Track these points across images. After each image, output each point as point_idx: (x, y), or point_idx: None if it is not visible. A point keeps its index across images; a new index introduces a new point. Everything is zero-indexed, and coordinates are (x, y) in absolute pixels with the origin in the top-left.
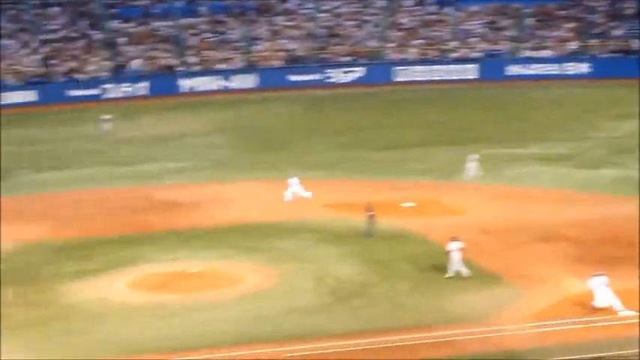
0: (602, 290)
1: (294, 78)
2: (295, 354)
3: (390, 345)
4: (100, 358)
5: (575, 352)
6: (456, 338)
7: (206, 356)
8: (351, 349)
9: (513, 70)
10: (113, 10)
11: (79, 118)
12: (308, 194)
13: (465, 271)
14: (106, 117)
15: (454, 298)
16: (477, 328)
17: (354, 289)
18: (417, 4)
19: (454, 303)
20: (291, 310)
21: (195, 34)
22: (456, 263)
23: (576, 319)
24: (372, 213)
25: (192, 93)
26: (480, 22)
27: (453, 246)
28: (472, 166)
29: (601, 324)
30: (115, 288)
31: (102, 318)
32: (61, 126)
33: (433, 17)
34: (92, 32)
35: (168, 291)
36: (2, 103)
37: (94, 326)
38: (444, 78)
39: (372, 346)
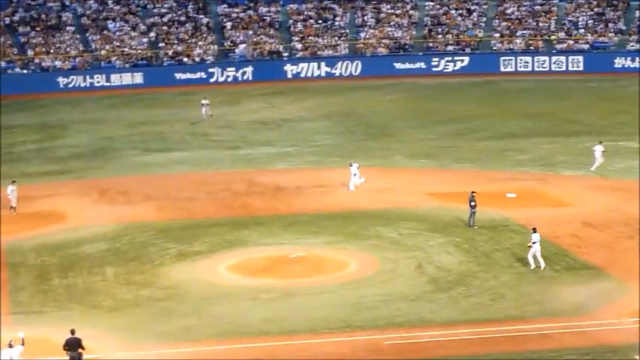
0: None
1: (399, 66)
2: (395, 342)
3: (489, 336)
4: (199, 340)
5: None
6: (556, 331)
7: (305, 341)
8: (451, 338)
9: (620, 62)
10: None
11: (185, 101)
12: (361, 180)
13: (541, 263)
14: (205, 102)
15: (555, 291)
16: (577, 322)
17: (454, 279)
18: None
19: (555, 295)
20: (392, 297)
21: (301, 21)
22: (534, 255)
23: None
24: (474, 203)
25: (297, 79)
26: (587, 13)
27: (535, 237)
28: (598, 156)
29: None
30: (216, 271)
31: (203, 301)
32: (166, 108)
33: (540, 8)
34: (199, 16)
35: (270, 275)
36: (110, 84)
37: (195, 308)
38: (549, 69)
39: (471, 337)
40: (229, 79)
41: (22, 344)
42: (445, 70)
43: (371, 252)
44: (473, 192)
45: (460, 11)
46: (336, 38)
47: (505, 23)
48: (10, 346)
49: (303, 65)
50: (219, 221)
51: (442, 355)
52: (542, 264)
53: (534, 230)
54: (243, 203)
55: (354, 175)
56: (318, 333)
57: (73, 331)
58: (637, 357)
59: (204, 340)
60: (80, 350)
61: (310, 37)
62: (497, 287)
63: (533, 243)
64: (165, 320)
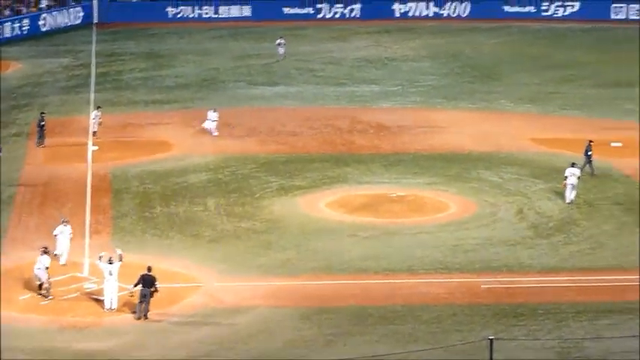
0: None
1: (508, 9)
2: (492, 285)
3: (588, 285)
4: (296, 274)
5: None
6: None
7: (402, 280)
8: (548, 285)
9: None
10: None
11: (292, 35)
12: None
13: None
14: (281, 41)
15: None
16: None
17: (555, 225)
18: None
19: None
20: (491, 241)
21: None
22: (572, 190)
23: None
24: (590, 152)
25: (405, 18)
26: None
27: (568, 172)
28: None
29: None
30: (316, 206)
31: (302, 235)
32: (273, 42)
33: None
34: None
35: (370, 214)
36: (218, 16)
37: (294, 242)
38: None
39: (570, 284)
40: (337, 16)
41: (120, 260)
42: (555, 15)
43: (472, 195)
44: (590, 141)
45: None
46: None
47: None
48: (110, 262)
49: (412, 4)
50: (321, 157)
51: (539, 302)
52: (568, 199)
53: (573, 165)
54: (346, 140)
55: (213, 121)
56: (415, 273)
57: (149, 268)
58: None
59: (301, 274)
60: (152, 289)
61: None
62: (598, 236)
63: (566, 177)
64: (263, 253)
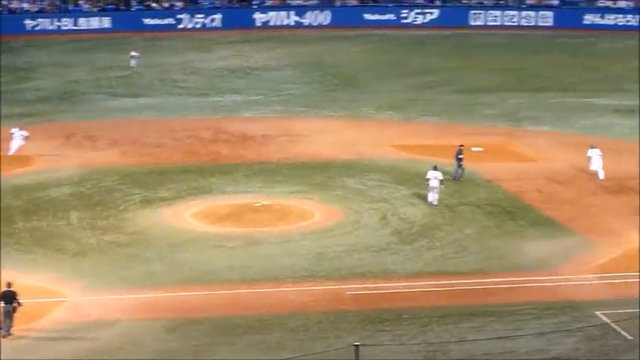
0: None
1: (368, 17)
2: (357, 292)
3: (451, 289)
4: (162, 286)
5: (636, 305)
6: (517, 285)
7: (268, 290)
8: (413, 290)
9: (589, 18)
10: None
11: (153, 46)
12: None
13: (434, 200)
14: (135, 53)
15: (518, 245)
16: (539, 277)
17: (418, 231)
18: None
19: (518, 250)
20: (355, 248)
21: None
22: (434, 193)
23: None
24: (461, 156)
25: (266, 27)
26: None
27: (430, 175)
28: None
29: None
30: (181, 218)
31: (167, 247)
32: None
33: None
34: None
35: (235, 223)
36: (78, 28)
37: (159, 254)
38: (519, 24)
39: (434, 289)
40: (198, 26)
41: None
42: (414, 22)
43: (336, 202)
44: (461, 145)
45: None
46: None
47: None
48: None
49: (273, 14)
50: (185, 168)
51: (404, 307)
52: (430, 200)
53: (434, 168)
54: (210, 150)
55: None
56: (281, 282)
57: (9, 284)
58: (597, 313)
59: (167, 286)
60: (15, 304)
61: None
62: (461, 240)
63: (428, 180)
64: (128, 265)
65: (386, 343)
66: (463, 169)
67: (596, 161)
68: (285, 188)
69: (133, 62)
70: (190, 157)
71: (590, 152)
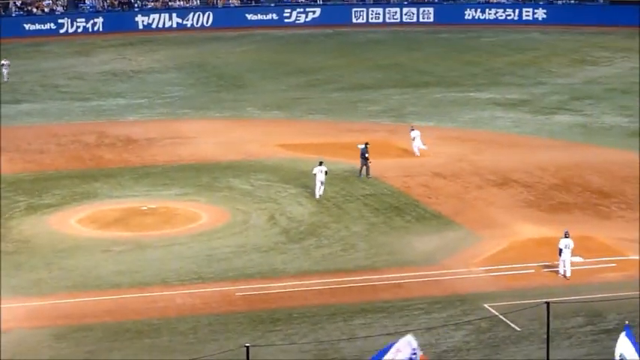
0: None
1: (251, 17)
2: (247, 293)
3: (340, 286)
4: (49, 293)
5: (523, 297)
6: (406, 281)
7: (157, 293)
8: (302, 289)
9: (470, 14)
10: None
11: (35, 52)
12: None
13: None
14: (5, 62)
15: (406, 241)
16: (427, 271)
17: (306, 230)
18: None
19: (406, 245)
20: (244, 249)
21: None
22: (321, 187)
23: (526, 265)
24: (367, 155)
25: (148, 30)
26: None
27: (316, 170)
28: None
29: (549, 270)
30: (67, 224)
31: (53, 254)
32: (16, 59)
33: None
34: None
35: (121, 228)
36: None
37: (45, 261)
38: (400, 20)
39: (323, 287)
40: (79, 30)
41: None
42: (297, 22)
43: (223, 203)
44: (366, 143)
45: None
46: None
47: None
48: None
49: (155, 16)
50: (69, 173)
51: (294, 306)
52: (317, 195)
53: (320, 164)
54: (94, 155)
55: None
56: (170, 285)
57: None
58: (486, 305)
59: (54, 292)
60: None
61: None
62: (349, 238)
63: (314, 175)
64: (14, 274)
65: (277, 343)
66: (368, 167)
67: (417, 142)
68: (172, 191)
69: (4, 71)
70: (75, 163)
71: (412, 134)
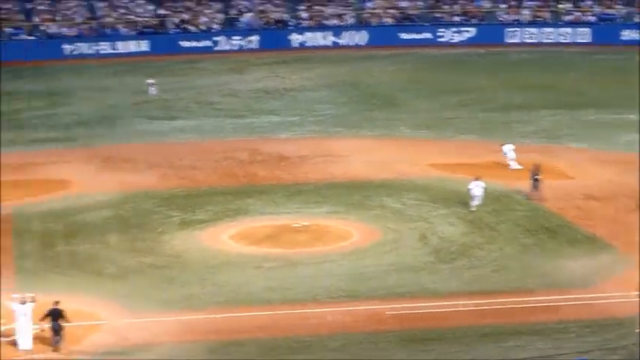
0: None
1: (404, 36)
2: (397, 312)
3: (492, 307)
4: (201, 308)
5: None
6: (560, 303)
7: (308, 310)
8: (453, 309)
9: (627, 34)
10: None
11: (190, 69)
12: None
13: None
14: (151, 81)
15: (558, 263)
16: (581, 294)
17: (458, 250)
18: None
19: (558, 268)
20: (395, 268)
21: None
22: (476, 199)
23: None
24: (537, 176)
25: (302, 48)
26: None
27: (473, 184)
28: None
29: None
30: (219, 239)
31: (205, 269)
32: (171, 76)
33: None
34: None
35: (273, 245)
36: (115, 52)
37: (198, 276)
38: (556, 41)
39: (475, 308)
40: (234, 48)
41: (33, 301)
42: (451, 41)
43: (374, 222)
44: (537, 164)
45: None
46: (342, 7)
47: None
48: (23, 302)
49: (309, 34)
50: (222, 190)
51: (445, 326)
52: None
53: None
54: (247, 172)
55: (509, 153)
56: (321, 302)
57: (56, 302)
58: (637, 330)
59: (206, 308)
60: (61, 322)
61: (316, 7)
62: (501, 259)
63: (470, 189)
64: (167, 288)
65: None
66: (538, 190)
67: (510, 155)
68: (323, 209)
69: (152, 90)
70: (228, 179)
71: (505, 148)
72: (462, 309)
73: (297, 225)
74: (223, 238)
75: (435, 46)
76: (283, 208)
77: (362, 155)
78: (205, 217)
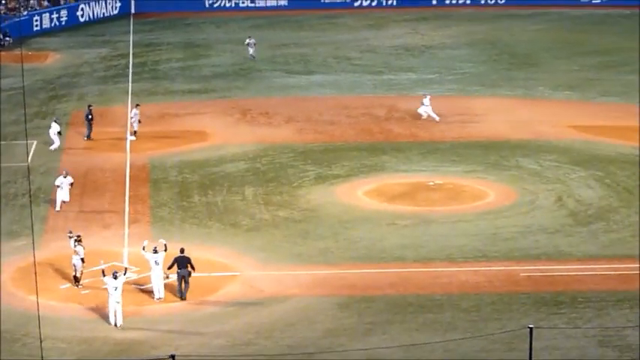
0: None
1: None
2: (532, 274)
3: (629, 273)
4: (335, 263)
5: None
6: None
7: (441, 269)
8: (588, 273)
9: None
10: None
11: (329, 24)
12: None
13: None
14: (250, 41)
15: None
16: None
17: (595, 213)
18: None
19: None
20: (530, 229)
21: None
22: None
23: None
24: None
25: (442, 5)
26: None
27: None
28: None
29: None
30: (354, 195)
31: (340, 224)
32: (310, 31)
33: None
34: None
35: (408, 202)
36: (255, 6)
37: (332, 231)
38: None
39: (611, 272)
40: (374, 4)
41: (165, 249)
42: (593, 1)
43: (510, 183)
44: None
45: None
46: None
47: None
48: (155, 251)
49: None
50: (358, 146)
51: (579, 290)
52: None
53: None
54: (383, 129)
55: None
56: (454, 261)
57: (182, 250)
58: None
59: (340, 263)
60: (190, 269)
61: None
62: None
63: None
64: (301, 242)
65: (560, 327)
66: None
67: (426, 107)
68: (459, 167)
69: (250, 50)
70: (364, 135)
71: (425, 100)
72: (597, 273)
73: (432, 183)
74: (358, 193)
75: (577, 6)
76: (418, 166)
77: (500, 115)
78: (341, 173)
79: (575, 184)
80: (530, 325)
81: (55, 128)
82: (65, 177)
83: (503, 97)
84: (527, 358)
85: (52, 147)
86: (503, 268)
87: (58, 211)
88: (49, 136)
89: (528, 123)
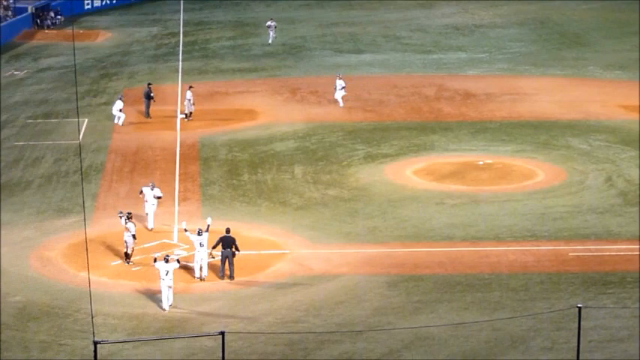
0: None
1: None
2: (581, 253)
3: None
4: (383, 241)
5: None
6: None
7: (489, 248)
8: (637, 253)
9: None
10: None
11: (379, 3)
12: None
13: None
14: (271, 23)
15: None
16: None
17: None
18: None
19: None
20: (579, 209)
21: None
22: None
23: None
24: None
25: None
26: None
27: None
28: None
29: None
30: (403, 174)
31: (388, 203)
32: (360, 10)
33: None
34: None
35: (456, 181)
36: None
37: (381, 210)
38: None
39: None
40: None
41: (207, 230)
42: None
43: (560, 162)
44: None
45: None
46: None
47: None
48: (199, 233)
49: None
50: (407, 125)
51: (628, 270)
52: None
53: None
54: (433, 108)
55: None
56: (502, 241)
57: (228, 230)
58: None
59: (388, 241)
60: (234, 250)
61: None
62: None
63: None
64: (350, 220)
65: (609, 306)
66: None
67: (339, 92)
68: (508, 147)
69: (271, 33)
70: (413, 114)
71: (337, 83)
72: None
73: (481, 162)
74: (407, 172)
75: None
76: (468, 145)
77: (550, 94)
78: (390, 152)
79: (624, 163)
80: (579, 305)
81: (118, 105)
82: (152, 189)
83: (553, 76)
84: (576, 337)
85: (119, 121)
86: (551, 247)
87: (150, 229)
88: (112, 113)
89: (578, 103)
